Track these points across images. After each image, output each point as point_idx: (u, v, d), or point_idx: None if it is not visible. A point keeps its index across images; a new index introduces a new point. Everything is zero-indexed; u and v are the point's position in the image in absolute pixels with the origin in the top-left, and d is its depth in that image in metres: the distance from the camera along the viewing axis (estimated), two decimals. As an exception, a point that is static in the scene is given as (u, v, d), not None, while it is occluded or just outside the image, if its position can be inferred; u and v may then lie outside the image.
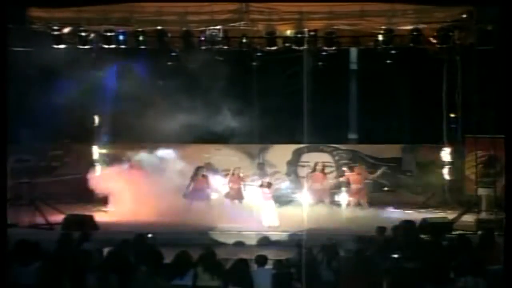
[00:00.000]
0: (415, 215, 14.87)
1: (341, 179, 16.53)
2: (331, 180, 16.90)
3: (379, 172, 16.57)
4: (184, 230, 13.09)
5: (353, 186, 16.09)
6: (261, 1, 14.63)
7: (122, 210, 14.75)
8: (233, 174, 15.96)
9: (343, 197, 16.01)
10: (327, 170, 16.97)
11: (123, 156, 16.40)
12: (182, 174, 15.76)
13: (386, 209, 16.20)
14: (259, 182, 15.15)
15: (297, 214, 14.29)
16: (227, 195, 15.88)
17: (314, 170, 16.51)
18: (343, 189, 16.15)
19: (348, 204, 15.95)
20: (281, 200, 16.25)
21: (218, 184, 16.10)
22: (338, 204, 16.03)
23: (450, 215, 14.73)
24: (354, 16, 14.57)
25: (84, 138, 17.52)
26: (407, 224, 10.53)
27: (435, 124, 17.20)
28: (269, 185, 14.84)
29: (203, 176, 15.76)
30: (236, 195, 15.82)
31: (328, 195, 16.29)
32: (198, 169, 15.80)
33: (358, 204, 16.02)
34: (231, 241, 12.89)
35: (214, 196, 15.87)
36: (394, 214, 15.46)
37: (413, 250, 8.74)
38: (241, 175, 16.09)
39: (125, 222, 13.96)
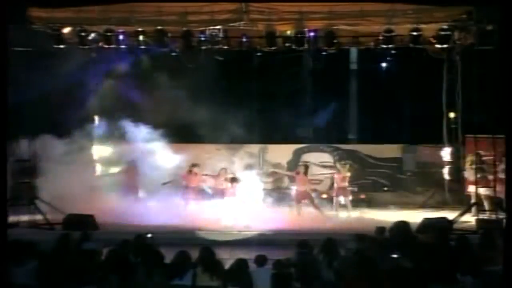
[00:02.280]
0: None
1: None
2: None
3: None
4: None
5: (297, 188, 15.75)
6: (261, 1, 14.61)
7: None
8: (219, 174, 15.74)
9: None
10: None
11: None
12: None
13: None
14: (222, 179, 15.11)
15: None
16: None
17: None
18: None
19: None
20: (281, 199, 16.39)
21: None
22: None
23: (450, 215, 14.73)
24: (354, 16, 14.54)
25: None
26: (402, 224, 10.49)
27: (435, 124, 17.21)
28: (233, 180, 14.70)
29: (196, 174, 15.71)
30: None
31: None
32: (192, 166, 15.77)
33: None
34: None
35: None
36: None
37: (411, 250, 8.73)
38: (228, 175, 15.71)
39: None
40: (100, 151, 17.49)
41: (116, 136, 16.76)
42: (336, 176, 16.04)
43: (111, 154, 17.14)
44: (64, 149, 15.59)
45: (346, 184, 15.83)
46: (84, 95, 16.79)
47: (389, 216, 15.13)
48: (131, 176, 16.10)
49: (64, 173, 15.03)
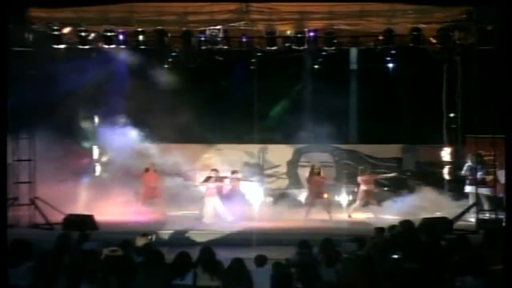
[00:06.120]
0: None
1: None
2: None
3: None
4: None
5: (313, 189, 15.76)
6: (261, 1, 14.62)
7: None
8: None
9: None
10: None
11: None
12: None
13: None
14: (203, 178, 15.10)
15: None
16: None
17: None
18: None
19: None
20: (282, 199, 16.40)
21: None
22: None
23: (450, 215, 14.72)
24: (354, 16, 14.55)
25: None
26: (406, 223, 10.51)
27: (435, 124, 17.20)
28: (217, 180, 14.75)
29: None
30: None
31: None
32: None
33: None
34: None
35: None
36: None
37: (412, 250, 8.73)
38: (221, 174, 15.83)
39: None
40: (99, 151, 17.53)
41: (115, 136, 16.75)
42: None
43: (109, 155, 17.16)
44: (64, 149, 15.61)
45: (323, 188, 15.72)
46: (84, 95, 16.76)
47: (388, 216, 15.16)
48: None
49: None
